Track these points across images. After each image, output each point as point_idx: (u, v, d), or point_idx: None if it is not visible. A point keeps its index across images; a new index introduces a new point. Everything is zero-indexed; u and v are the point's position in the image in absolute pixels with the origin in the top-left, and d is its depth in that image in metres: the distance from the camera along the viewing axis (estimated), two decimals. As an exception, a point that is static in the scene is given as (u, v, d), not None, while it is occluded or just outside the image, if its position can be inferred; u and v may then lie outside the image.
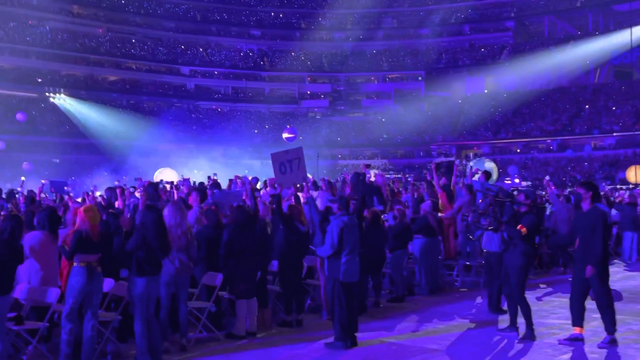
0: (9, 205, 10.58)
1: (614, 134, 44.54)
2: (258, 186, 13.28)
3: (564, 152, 45.39)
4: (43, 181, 13.42)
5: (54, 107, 47.26)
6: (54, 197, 13.64)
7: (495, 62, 56.30)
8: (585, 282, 6.88)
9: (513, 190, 12.63)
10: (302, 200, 9.36)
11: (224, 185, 13.67)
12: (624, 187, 30.08)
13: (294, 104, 60.44)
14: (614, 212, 14.49)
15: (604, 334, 6.94)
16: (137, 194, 12.80)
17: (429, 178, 13.60)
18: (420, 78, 59.67)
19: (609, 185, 31.30)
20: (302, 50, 60.03)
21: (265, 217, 8.40)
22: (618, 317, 7.01)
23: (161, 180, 14.87)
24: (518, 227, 7.23)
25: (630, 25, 50.89)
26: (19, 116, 35.89)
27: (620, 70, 53.61)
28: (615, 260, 13.88)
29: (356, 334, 7.12)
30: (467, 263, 11.28)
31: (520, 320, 7.41)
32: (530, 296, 7.41)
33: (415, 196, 12.22)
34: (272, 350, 6.95)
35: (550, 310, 8.85)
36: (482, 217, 7.81)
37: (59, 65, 50.99)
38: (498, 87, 55.92)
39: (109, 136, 43.20)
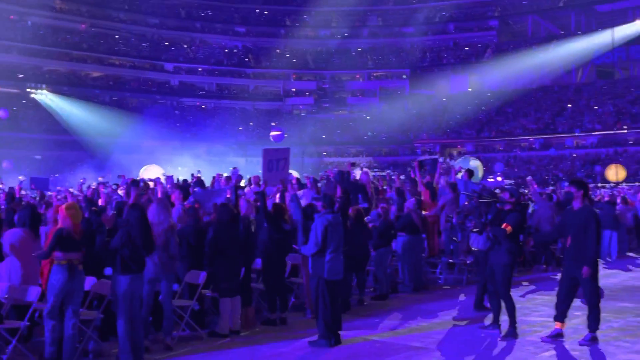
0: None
1: (596, 132, 45.03)
2: (242, 184, 13.24)
3: (547, 150, 45.82)
4: (21, 177, 13.22)
5: (36, 103, 46.73)
6: (35, 195, 13.47)
7: (479, 61, 56.67)
8: (574, 279, 6.95)
9: (496, 189, 12.70)
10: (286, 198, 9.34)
11: (208, 182, 13.61)
12: (606, 185, 30.44)
13: (279, 102, 60.34)
14: (593, 210, 14.63)
15: (585, 332, 7.01)
16: (120, 191, 12.71)
17: (412, 176, 13.65)
18: (405, 76, 59.86)
19: (591, 184, 31.63)
20: (287, 48, 59.95)
21: (249, 215, 8.37)
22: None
23: (141, 178, 14.75)
24: (503, 225, 7.26)
25: (612, 25, 51.47)
26: (0, 113, 35.40)
27: (602, 70, 54.20)
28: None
29: (340, 332, 7.12)
30: (451, 261, 11.34)
31: (503, 318, 7.46)
32: (512, 294, 7.45)
33: (395, 194, 12.22)
34: (255, 349, 6.92)
35: (533, 308, 8.92)
36: (466, 219, 7.84)
37: (41, 61, 50.44)
38: (482, 85, 56.28)
39: (92, 133, 42.82)
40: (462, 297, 9.88)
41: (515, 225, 7.29)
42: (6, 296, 6.35)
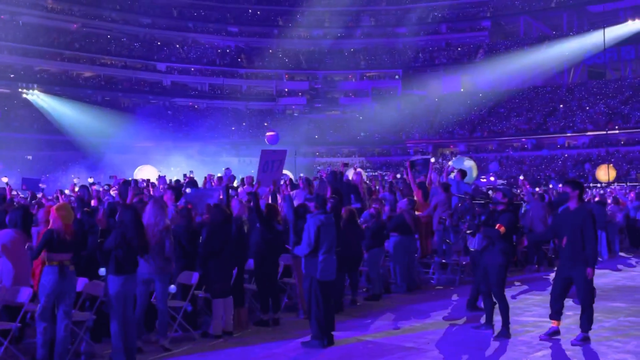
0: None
1: (587, 133, 45.25)
2: (235, 184, 13.22)
3: (538, 150, 46.02)
4: (4, 179, 13.06)
5: (28, 103, 46.50)
6: (26, 195, 13.38)
7: (472, 62, 56.85)
8: (569, 279, 6.99)
9: (489, 189, 12.73)
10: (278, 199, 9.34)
11: (201, 183, 13.57)
12: (598, 185, 30.59)
13: (272, 102, 60.31)
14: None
15: (577, 332, 7.04)
16: (112, 192, 12.67)
17: (404, 176, 13.66)
18: (397, 76, 59.97)
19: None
20: (280, 48, 59.94)
21: (241, 215, 8.36)
22: (590, 314, 7.12)
23: (132, 179, 14.66)
24: (496, 226, 7.28)
25: (604, 25, 51.75)
26: None
27: (594, 70, 54.51)
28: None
29: (333, 333, 7.12)
30: (443, 261, 11.35)
31: (496, 318, 7.48)
32: (505, 294, 7.48)
33: (388, 191, 12.23)
34: (248, 349, 6.91)
35: (525, 308, 8.95)
36: (460, 221, 7.84)
37: (33, 61, 50.21)
38: (474, 86, 56.47)
39: (84, 133, 42.64)
40: (455, 298, 9.90)
41: (509, 225, 7.31)
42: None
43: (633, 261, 14.47)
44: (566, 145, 46.13)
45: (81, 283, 6.74)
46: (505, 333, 7.24)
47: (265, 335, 7.53)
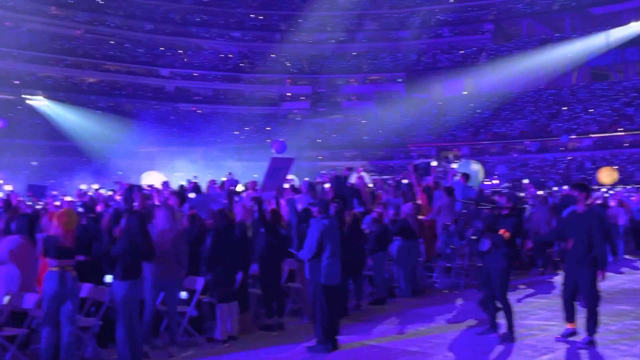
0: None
1: (592, 135, 45.15)
2: (239, 188, 13.24)
3: (542, 153, 45.92)
4: (8, 187, 13.10)
5: (32, 109, 46.68)
6: (31, 201, 13.43)
7: (475, 64, 56.82)
8: (575, 281, 6.99)
9: (494, 193, 12.73)
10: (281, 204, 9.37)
11: (205, 187, 13.57)
12: (603, 188, 30.47)
13: (275, 106, 60.36)
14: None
15: (583, 335, 7.03)
16: (117, 197, 12.70)
17: (408, 180, 13.67)
18: (400, 80, 59.97)
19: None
20: (283, 52, 60.00)
21: (245, 220, 8.38)
22: (595, 317, 7.11)
23: (135, 185, 14.63)
24: (500, 232, 7.28)
25: (607, 28, 51.68)
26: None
27: (597, 72, 54.39)
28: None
29: (338, 337, 7.13)
30: (447, 265, 11.35)
31: (500, 322, 7.47)
32: (509, 297, 7.47)
33: (391, 196, 12.24)
34: (253, 354, 6.93)
35: (530, 312, 8.93)
36: (464, 227, 7.85)
37: (37, 67, 50.40)
38: (477, 89, 56.42)
39: (88, 138, 42.78)
40: (459, 301, 9.90)
41: (513, 230, 7.32)
42: (5, 303, 6.35)
43: (638, 264, 14.43)
44: (570, 147, 46.03)
45: (86, 289, 6.77)
46: (510, 336, 7.23)
47: (271, 339, 7.55)
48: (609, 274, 12.25)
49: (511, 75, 52.48)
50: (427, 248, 11.41)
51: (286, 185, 12.03)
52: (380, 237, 9.97)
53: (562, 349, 6.94)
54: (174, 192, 11.27)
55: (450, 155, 48.64)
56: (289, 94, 61.56)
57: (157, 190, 12.73)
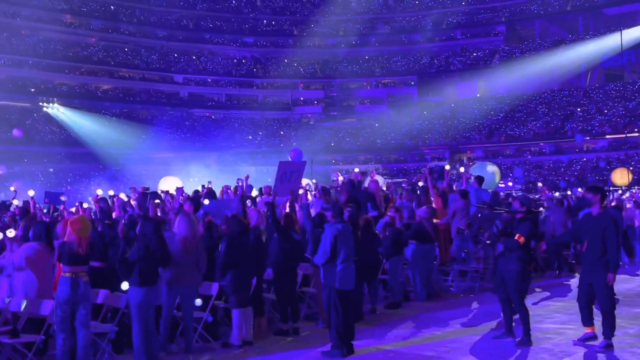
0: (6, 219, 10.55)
1: (606, 136, 44.77)
2: (254, 193, 13.27)
3: (557, 155, 45.61)
4: (31, 192, 13.21)
5: (48, 116, 47.18)
6: (47, 209, 13.54)
7: (487, 67, 56.58)
8: (591, 284, 6.95)
9: (508, 197, 12.65)
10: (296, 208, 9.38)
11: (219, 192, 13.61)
12: (619, 189, 30.21)
13: (288, 111, 60.50)
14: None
15: (600, 338, 6.98)
16: (132, 202, 12.77)
17: (422, 183, 13.63)
18: (412, 83, 59.87)
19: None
20: (295, 57, 60.15)
21: (259, 225, 8.41)
22: (613, 321, 7.05)
23: (150, 191, 14.70)
24: (516, 236, 7.24)
25: (620, 28, 51.26)
26: (15, 132, 35.91)
27: (611, 73, 53.92)
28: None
29: (353, 342, 7.12)
30: (463, 268, 11.30)
31: (516, 326, 7.42)
32: (525, 301, 7.43)
33: (405, 200, 12.21)
34: (268, 359, 6.95)
35: (546, 315, 8.87)
36: (479, 232, 7.82)
37: (52, 75, 50.95)
38: (490, 91, 56.17)
39: (104, 145, 43.15)
40: (474, 305, 9.85)
41: (528, 234, 7.29)
42: (22, 310, 6.42)
43: (655, 266, 14.28)
44: (585, 149, 45.67)
45: (102, 295, 6.83)
46: (526, 341, 7.18)
47: (285, 344, 7.56)
48: (625, 277, 12.20)
49: (524, 77, 52.20)
50: (442, 251, 11.37)
51: (301, 190, 12.04)
52: (395, 240, 9.95)
53: (579, 353, 6.88)
54: (188, 198, 11.34)
55: (464, 158, 48.47)
56: (302, 99, 61.69)
57: (171, 196, 12.82)
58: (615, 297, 7.06)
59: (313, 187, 15.14)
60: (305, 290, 8.96)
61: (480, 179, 12.26)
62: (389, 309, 9.63)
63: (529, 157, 46.73)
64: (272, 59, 61.00)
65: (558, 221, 12.52)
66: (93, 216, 10.32)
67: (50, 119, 47.07)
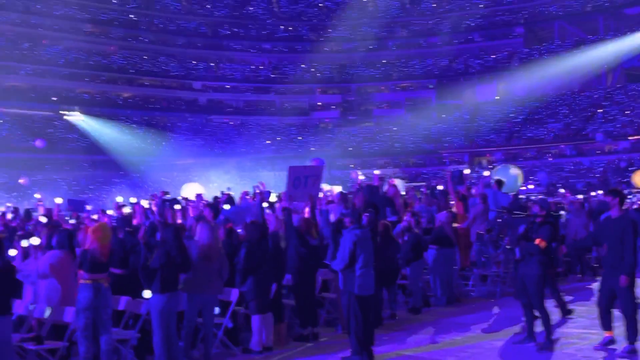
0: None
1: (628, 137, 44.19)
2: (272, 199, 13.30)
3: (578, 157, 45.10)
4: (59, 200, 13.41)
5: (69, 125, 47.83)
6: (69, 216, 13.71)
7: (506, 69, 56.15)
8: (612, 288, 6.88)
9: (527, 201, 12.54)
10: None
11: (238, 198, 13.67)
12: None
13: (306, 116, 60.63)
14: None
15: (624, 343, 6.89)
16: (154, 207, 12.89)
17: (443, 187, 13.57)
18: (431, 86, 59.65)
19: (624, 189, 30.96)
20: (313, 62, 60.28)
21: (278, 231, 8.44)
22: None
23: (170, 198, 14.79)
24: (536, 241, 7.20)
25: (642, 28, 50.60)
26: (38, 143, 36.41)
27: (632, 74, 53.24)
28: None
29: (373, 347, 7.11)
30: (483, 273, 11.22)
31: (538, 330, 7.36)
32: (547, 305, 7.36)
33: (423, 204, 12.17)
34: (289, 365, 6.97)
35: (568, 319, 8.78)
36: (499, 237, 7.78)
37: (73, 84, 51.63)
38: (510, 93, 55.72)
39: (124, 152, 43.59)
40: (495, 310, 9.79)
41: (548, 238, 7.24)
42: (46, 316, 6.52)
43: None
44: (606, 150, 45.10)
45: (124, 301, 6.90)
46: (548, 345, 7.13)
47: (305, 350, 7.57)
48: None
49: (544, 78, 51.73)
50: (462, 256, 11.31)
51: (320, 195, 12.05)
52: (415, 245, 9.92)
53: (601, 357, 6.80)
54: (208, 204, 11.41)
55: (484, 161, 48.14)
56: (320, 104, 61.77)
57: (191, 202, 12.92)
58: (637, 301, 6.97)
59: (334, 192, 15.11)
60: (325, 295, 8.96)
61: (500, 183, 12.18)
62: (409, 314, 9.60)
63: (550, 159, 46.26)
64: (290, 65, 61.22)
65: (579, 225, 12.40)
66: (115, 223, 10.42)
67: (71, 127, 47.68)
